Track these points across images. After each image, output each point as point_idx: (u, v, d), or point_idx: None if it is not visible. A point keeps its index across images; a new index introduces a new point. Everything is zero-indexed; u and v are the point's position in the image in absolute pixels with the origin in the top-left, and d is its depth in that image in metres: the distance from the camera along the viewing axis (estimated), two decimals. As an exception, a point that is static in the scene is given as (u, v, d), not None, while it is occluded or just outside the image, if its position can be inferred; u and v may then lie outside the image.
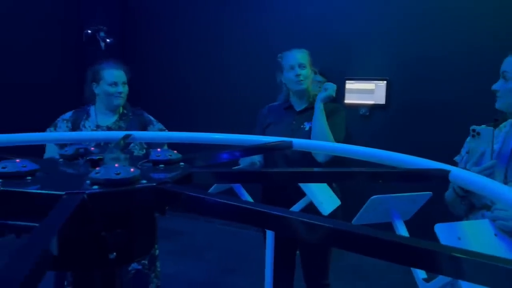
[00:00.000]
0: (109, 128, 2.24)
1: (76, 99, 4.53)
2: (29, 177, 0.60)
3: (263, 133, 2.31)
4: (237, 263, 3.88)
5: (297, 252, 2.46)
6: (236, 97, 4.74)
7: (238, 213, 0.51)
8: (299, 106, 2.32)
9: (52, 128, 2.26)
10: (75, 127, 2.22)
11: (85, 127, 2.23)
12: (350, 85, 4.18)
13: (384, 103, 4.08)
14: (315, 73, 2.31)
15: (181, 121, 4.69)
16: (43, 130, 2.19)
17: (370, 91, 4.12)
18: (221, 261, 3.94)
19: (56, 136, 1.56)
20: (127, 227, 0.61)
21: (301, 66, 2.23)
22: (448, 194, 1.66)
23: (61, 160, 0.76)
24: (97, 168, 0.59)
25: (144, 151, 2.20)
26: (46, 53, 4.67)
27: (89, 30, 4.37)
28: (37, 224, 0.54)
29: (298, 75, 2.21)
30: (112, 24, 4.69)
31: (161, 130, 2.37)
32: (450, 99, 3.81)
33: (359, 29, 4.14)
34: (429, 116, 3.93)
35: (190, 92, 5.01)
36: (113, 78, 2.24)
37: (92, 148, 0.79)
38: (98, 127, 2.24)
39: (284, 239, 2.21)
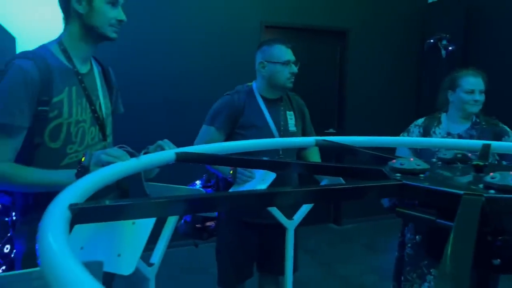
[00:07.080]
0: (459, 136, 2.22)
1: (416, 106, 4.70)
2: (422, 175, 0.68)
3: None
4: None
5: None
6: None
7: None
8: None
9: (405, 134, 2.43)
10: (426, 133, 2.31)
11: (435, 133, 2.29)
12: None
13: None
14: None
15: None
16: (396, 134, 2.33)
17: None
18: None
19: (409, 141, 1.68)
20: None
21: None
22: None
23: (439, 162, 0.82)
24: (491, 174, 0.61)
25: (496, 162, 2.06)
26: (396, 63, 5.04)
27: (431, 39, 4.41)
28: (433, 218, 0.61)
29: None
30: (455, 31, 4.57)
31: None
32: None
33: None
34: None
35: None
36: (470, 86, 2.22)
37: (469, 155, 0.81)
38: (449, 134, 2.26)
39: None
